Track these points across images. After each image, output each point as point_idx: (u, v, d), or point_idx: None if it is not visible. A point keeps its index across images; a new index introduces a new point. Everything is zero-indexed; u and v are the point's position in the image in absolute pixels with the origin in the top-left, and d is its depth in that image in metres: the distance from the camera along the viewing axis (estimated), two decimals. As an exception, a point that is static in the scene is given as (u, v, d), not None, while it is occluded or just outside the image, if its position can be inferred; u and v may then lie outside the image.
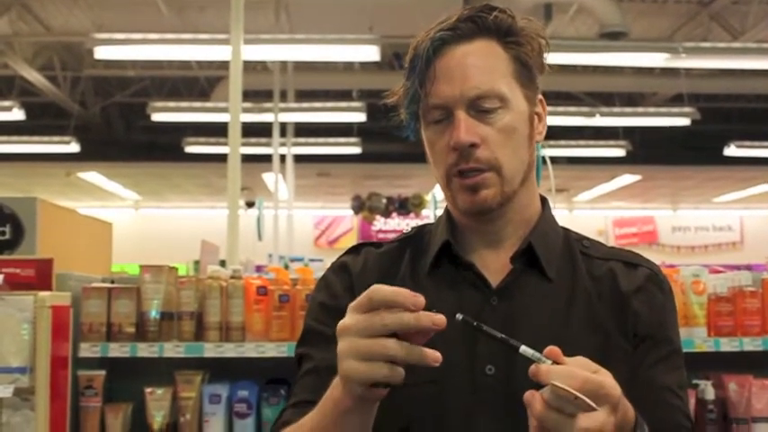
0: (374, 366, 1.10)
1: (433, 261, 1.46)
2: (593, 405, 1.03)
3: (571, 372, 1.06)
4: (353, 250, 1.55)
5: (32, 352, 2.83)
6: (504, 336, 1.14)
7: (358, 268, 1.49)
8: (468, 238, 1.47)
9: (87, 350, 3.04)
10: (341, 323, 1.14)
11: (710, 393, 3.10)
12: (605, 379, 1.08)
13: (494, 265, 1.43)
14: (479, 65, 1.38)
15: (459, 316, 1.13)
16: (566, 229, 1.54)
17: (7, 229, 3.27)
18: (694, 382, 3.11)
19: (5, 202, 3.30)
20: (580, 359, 1.10)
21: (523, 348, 1.11)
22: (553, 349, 1.10)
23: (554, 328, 1.35)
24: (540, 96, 1.48)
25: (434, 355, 1.11)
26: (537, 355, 1.10)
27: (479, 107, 1.37)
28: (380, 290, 1.11)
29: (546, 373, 1.07)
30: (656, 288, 1.45)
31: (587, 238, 1.53)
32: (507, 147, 1.39)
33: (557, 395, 1.04)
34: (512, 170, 1.40)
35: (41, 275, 3.02)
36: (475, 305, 1.38)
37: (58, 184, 17.14)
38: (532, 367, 1.08)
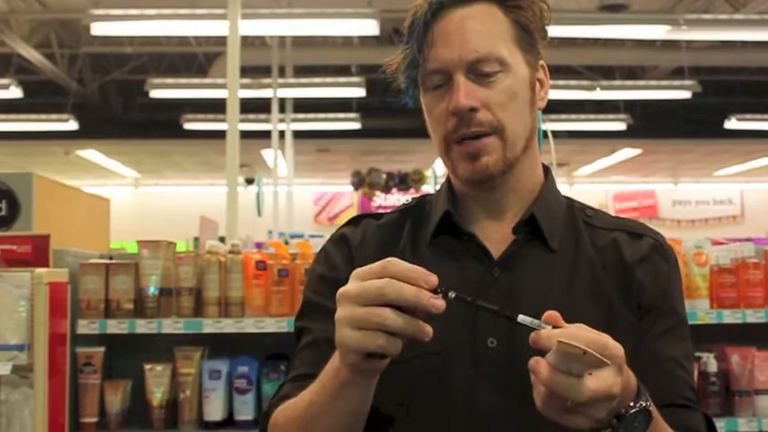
0: (369, 335, 1.07)
1: (433, 232, 1.43)
2: (603, 358, 1.01)
3: (574, 333, 1.04)
4: (353, 222, 1.53)
5: (30, 329, 2.82)
6: (499, 308, 1.12)
7: (357, 240, 1.47)
8: (469, 208, 1.45)
9: (85, 327, 3.03)
10: (342, 289, 1.12)
11: (713, 366, 3.09)
12: (609, 339, 1.06)
13: (495, 235, 1.41)
14: (478, 28, 1.35)
15: (451, 294, 1.10)
16: (569, 199, 1.51)
17: (3, 205, 3.25)
18: (697, 354, 3.10)
19: (1, 179, 3.28)
20: (580, 325, 1.08)
21: (521, 317, 1.09)
22: (552, 314, 1.08)
23: (557, 298, 1.33)
24: (542, 62, 1.45)
25: (428, 330, 1.09)
26: (536, 322, 1.08)
27: (479, 71, 1.34)
28: (397, 263, 1.09)
29: (547, 337, 1.05)
30: (660, 258, 1.43)
31: (591, 208, 1.51)
32: (509, 110, 1.36)
33: (563, 354, 1.01)
34: (514, 134, 1.37)
35: (38, 252, 3.00)
36: (476, 276, 1.36)
37: (56, 162, 17.10)
38: (533, 334, 1.07)
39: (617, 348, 1.06)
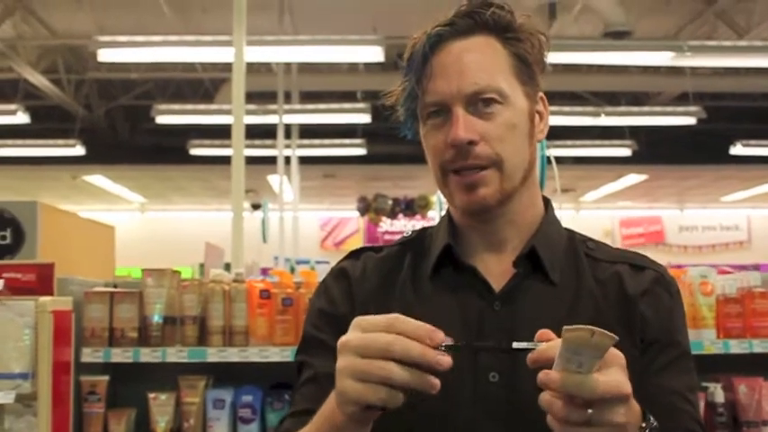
0: (372, 388, 1.06)
1: (434, 265, 1.43)
2: (611, 335, 0.99)
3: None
4: (353, 255, 1.53)
5: (34, 357, 2.81)
6: (494, 343, 1.12)
7: (357, 273, 1.47)
8: (469, 240, 1.44)
9: (90, 355, 3.02)
10: (343, 338, 1.10)
11: (720, 396, 3.06)
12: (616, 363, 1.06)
13: (496, 268, 1.40)
14: (477, 60, 1.35)
15: (441, 347, 1.08)
16: (570, 231, 1.50)
17: (8, 233, 3.25)
18: (704, 384, 3.08)
19: (6, 207, 3.29)
20: None
21: (516, 344, 1.09)
22: (544, 332, 1.08)
23: (558, 333, 1.32)
24: (542, 94, 1.45)
25: (435, 383, 1.07)
26: (531, 344, 1.08)
27: (478, 103, 1.35)
28: (404, 321, 1.08)
29: (545, 349, 1.05)
30: (663, 291, 1.42)
31: (592, 240, 1.50)
32: (507, 143, 1.36)
33: (571, 345, 1.00)
34: (512, 166, 1.37)
35: (42, 280, 3.00)
36: (477, 310, 1.36)
37: (63, 187, 17.16)
38: (531, 354, 1.06)
39: (617, 355, 1.06)
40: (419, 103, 1.38)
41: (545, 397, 1.04)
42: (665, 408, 1.32)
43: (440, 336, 1.07)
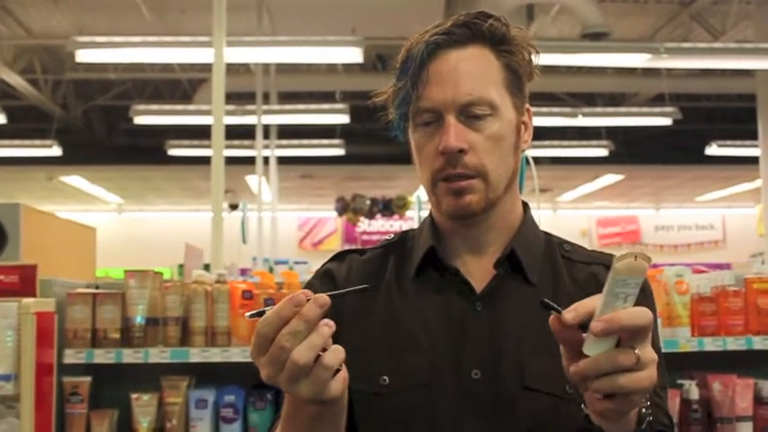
0: (315, 379, 1.10)
1: (418, 266, 1.46)
2: (646, 254, 1.02)
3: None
4: (338, 257, 1.56)
5: (17, 359, 2.82)
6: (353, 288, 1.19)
7: (343, 275, 1.50)
8: (451, 243, 1.48)
9: (72, 356, 3.03)
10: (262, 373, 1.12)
11: (695, 393, 3.11)
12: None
13: (477, 270, 1.44)
14: (472, 71, 1.39)
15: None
16: (547, 234, 1.54)
17: (-10, 235, 3.25)
18: (678, 381, 3.13)
19: (-12, 209, 3.29)
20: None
21: (546, 300, 1.12)
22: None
23: (537, 331, 1.36)
24: (528, 106, 1.49)
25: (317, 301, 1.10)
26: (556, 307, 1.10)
27: (470, 113, 1.38)
28: (265, 324, 1.09)
29: (584, 304, 1.08)
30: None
31: (568, 242, 1.54)
32: (494, 154, 1.40)
33: (619, 274, 1.02)
34: (497, 177, 1.41)
35: (25, 282, 3.01)
36: (460, 310, 1.39)
37: (40, 188, 17.05)
38: (567, 311, 1.08)
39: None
40: (412, 107, 1.41)
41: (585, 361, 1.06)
42: None
43: (300, 298, 1.09)
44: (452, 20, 1.42)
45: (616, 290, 1.04)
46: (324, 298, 1.09)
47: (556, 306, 1.09)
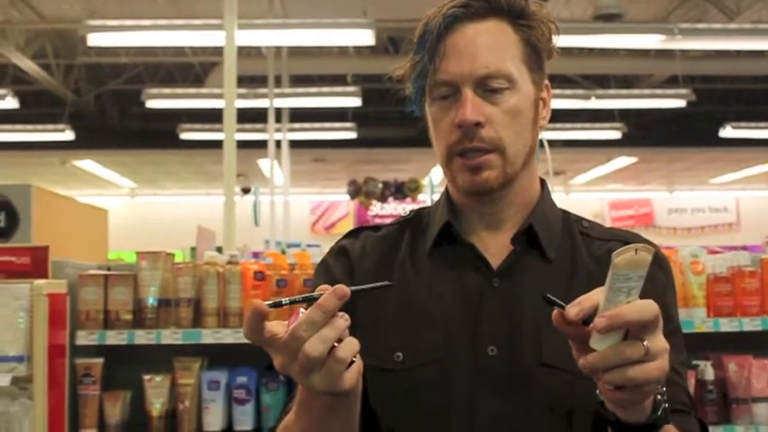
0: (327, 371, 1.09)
1: (433, 242, 1.45)
2: (648, 245, 1.02)
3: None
4: (352, 234, 1.55)
5: (29, 340, 2.82)
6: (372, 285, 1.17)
7: (357, 252, 1.49)
8: (468, 219, 1.46)
9: (84, 338, 3.03)
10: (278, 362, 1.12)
11: (710, 374, 3.10)
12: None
13: (494, 246, 1.42)
14: (490, 44, 1.37)
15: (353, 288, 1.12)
16: (564, 211, 1.53)
17: (2, 216, 3.25)
18: (694, 362, 3.11)
19: (0, 191, 3.29)
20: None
21: (549, 296, 1.10)
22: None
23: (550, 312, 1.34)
24: (547, 82, 1.47)
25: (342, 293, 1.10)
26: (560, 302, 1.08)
27: (487, 87, 1.36)
28: (297, 328, 1.09)
29: (588, 297, 1.07)
30: (656, 267, 1.43)
31: (586, 219, 1.53)
32: (512, 128, 1.38)
33: (620, 269, 1.01)
34: (514, 152, 1.39)
35: (37, 263, 3.01)
36: (476, 286, 1.37)
37: (53, 172, 17.10)
38: (571, 306, 1.07)
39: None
40: (429, 81, 1.39)
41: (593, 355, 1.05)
42: None
43: (328, 294, 1.10)
44: None
45: (618, 285, 1.02)
46: (344, 289, 1.09)
47: (559, 301, 1.08)
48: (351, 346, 1.09)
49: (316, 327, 1.07)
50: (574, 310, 1.06)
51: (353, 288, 1.11)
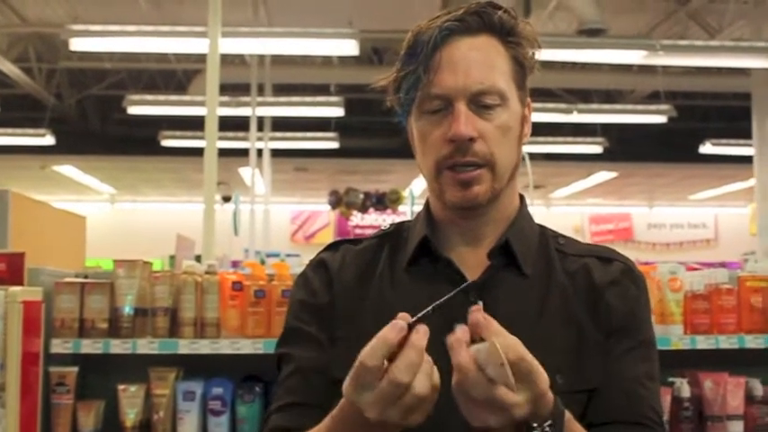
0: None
1: (411, 257, 1.45)
2: (513, 383, 1.04)
3: (514, 343, 1.08)
4: (332, 247, 1.55)
5: (3, 348, 2.79)
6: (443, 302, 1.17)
7: (336, 265, 1.49)
8: (446, 234, 1.47)
9: (59, 346, 3.00)
10: (359, 403, 1.11)
11: (686, 391, 3.10)
12: (537, 367, 1.09)
13: (471, 261, 1.43)
14: (483, 60, 1.38)
15: (412, 320, 1.13)
16: (542, 227, 1.54)
17: (-22, 222, 3.22)
18: (670, 379, 3.11)
19: (-24, 196, 3.26)
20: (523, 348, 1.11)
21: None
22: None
23: (530, 322, 1.35)
24: (528, 100, 1.49)
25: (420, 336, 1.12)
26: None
27: (480, 102, 1.37)
28: (372, 351, 1.09)
29: (488, 327, 1.09)
30: (629, 282, 1.46)
31: (563, 236, 1.54)
32: (502, 144, 1.39)
33: (487, 352, 1.04)
34: (503, 167, 1.40)
35: (13, 270, 2.97)
36: (454, 301, 1.37)
37: (32, 177, 16.98)
38: (480, 314, 1.09)
39: (543, 382, 1.09)
40: (420, 94, 1.39)
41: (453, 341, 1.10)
42: (622, 392, 1.36)
43: (401, 325, 1.10)
44: (464, 8, 1.41)
45: (480, 353, 1.07)
46: (424, 327, 1.11)
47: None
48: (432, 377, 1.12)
49: (414, 369, 1.08)
50: (477, 316, 1.11)
51: (416, 317, 1.13)
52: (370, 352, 1.08)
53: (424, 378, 1.08)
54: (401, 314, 1.12)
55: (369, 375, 1.08)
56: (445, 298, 1.16)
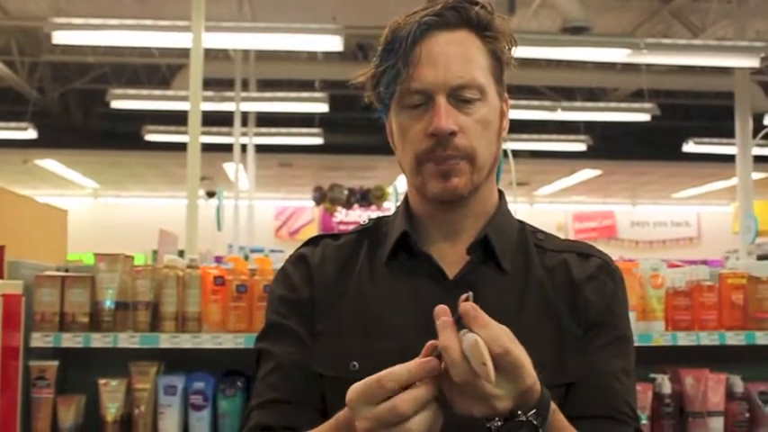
0: None
1: (390, 252, 1.45)
2: (492, 380, 1.04)
3: (501, 336, 1.07)
4: (312, 242, 1.54)
5: (-18, 342, 2.77)
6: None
7: (317, 260, 1.48)
8: (425, 229, 1.47)
9: (39, 340, 2.98)
10: (359, 425, 1.10)
11: (667, 387, 3.11)
12: (526, 363, 1.09)
13: (450, 256, 1.43)
14: (462, 54, 1.38)
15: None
16: (521, 222, 1.54)
17: (-43, 215, 3.20)
18: (651, 375, 3.13)
19: (-44, 189, 3.23)
20: (519, 345, 1.10)
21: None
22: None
23: (509, 317, 1.34)
24: (506, 95, 1.49)
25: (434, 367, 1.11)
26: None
27: (460, 96, 1.37)
28: (394, 375, 1.08)
29: (476, 318, 1.08)
30: (607, 277, 1.47)
31: (542, 231, 1.54)
32: (482, 138, 1.39)
33: (471, 347, 1.04)
34: (483, 160, 1.40)
35: (-8, 263, 2.96)
36: (432, 296, 1.37)
37: (14, 171, 16.88)
38: (469, 305, 1.09)
39: (528, 374, 1.09)
40: (400, 88, 1.39)
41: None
42: (597, 386, 1.37)
43: (435, 365, 1.09)
44: (441, 3, 1.41)
45: (468, 347, 1.06)
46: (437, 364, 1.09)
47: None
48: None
49: (421, 405, 1.07)
50: (468, 307, 1.10)
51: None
52: (394, 375, 1.07)
53: (425, 418, 1.07)
54: (440, 307, 1.11)
55: (379, 394, 1.07)
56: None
